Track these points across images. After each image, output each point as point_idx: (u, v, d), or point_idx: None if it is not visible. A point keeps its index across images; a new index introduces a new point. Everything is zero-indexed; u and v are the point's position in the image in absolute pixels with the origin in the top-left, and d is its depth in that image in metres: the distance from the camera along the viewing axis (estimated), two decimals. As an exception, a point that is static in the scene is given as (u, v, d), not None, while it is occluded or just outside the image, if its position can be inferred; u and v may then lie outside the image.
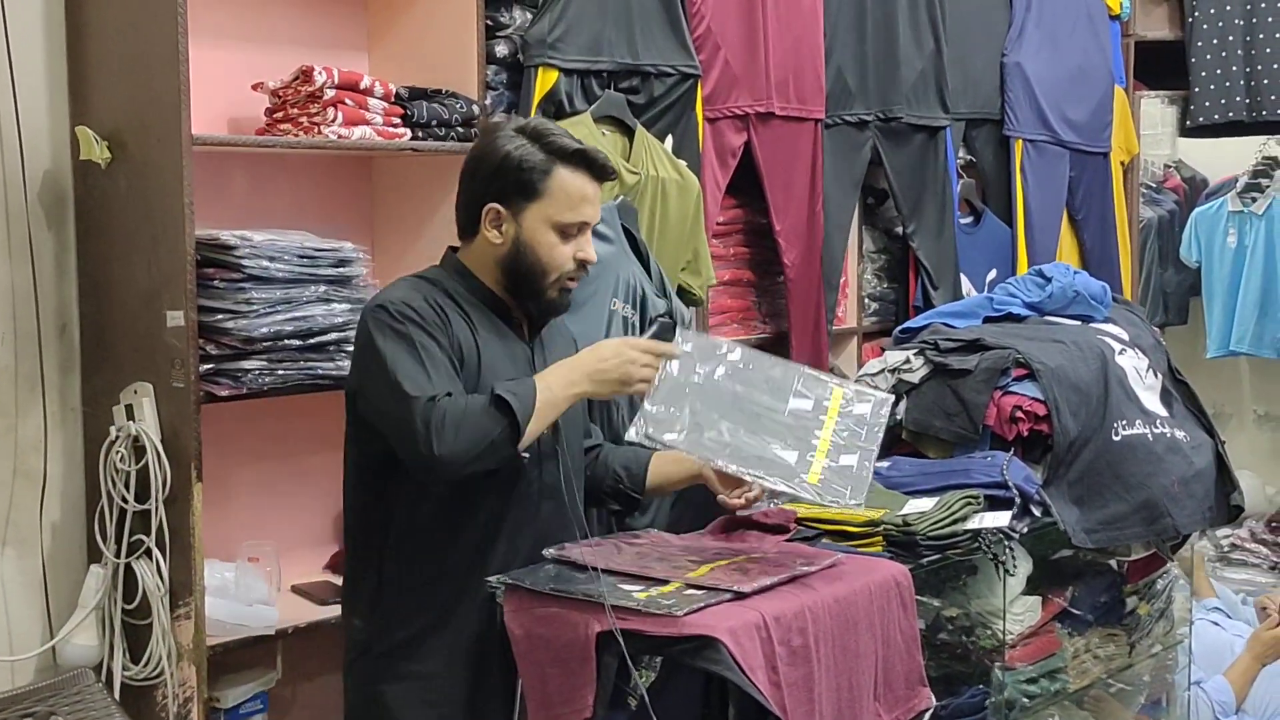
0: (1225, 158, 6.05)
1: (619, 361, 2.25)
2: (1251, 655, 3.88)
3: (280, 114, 3.02)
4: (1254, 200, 5.87)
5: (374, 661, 2.34)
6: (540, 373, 2.27)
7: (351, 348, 2.93)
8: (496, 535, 2.33)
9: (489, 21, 3.25)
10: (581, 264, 2.36)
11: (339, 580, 3.20)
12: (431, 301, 2.30)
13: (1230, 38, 5.16)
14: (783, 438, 2.31)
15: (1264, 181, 5.87)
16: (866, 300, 4.41)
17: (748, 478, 2.30)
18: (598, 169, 2.36)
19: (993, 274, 4.59)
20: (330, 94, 2.97)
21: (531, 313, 2.40)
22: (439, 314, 2.28)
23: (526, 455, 2.28)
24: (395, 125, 3.10)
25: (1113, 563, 3.21)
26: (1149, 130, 5.62)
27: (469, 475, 2.19)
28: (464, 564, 2.30)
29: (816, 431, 2.34)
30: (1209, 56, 5.19)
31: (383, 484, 2.32)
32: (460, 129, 3.18)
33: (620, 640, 2.05)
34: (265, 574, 3.03)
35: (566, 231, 2.33)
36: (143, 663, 2.81)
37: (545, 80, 3.22)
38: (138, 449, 2.79)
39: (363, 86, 3.04)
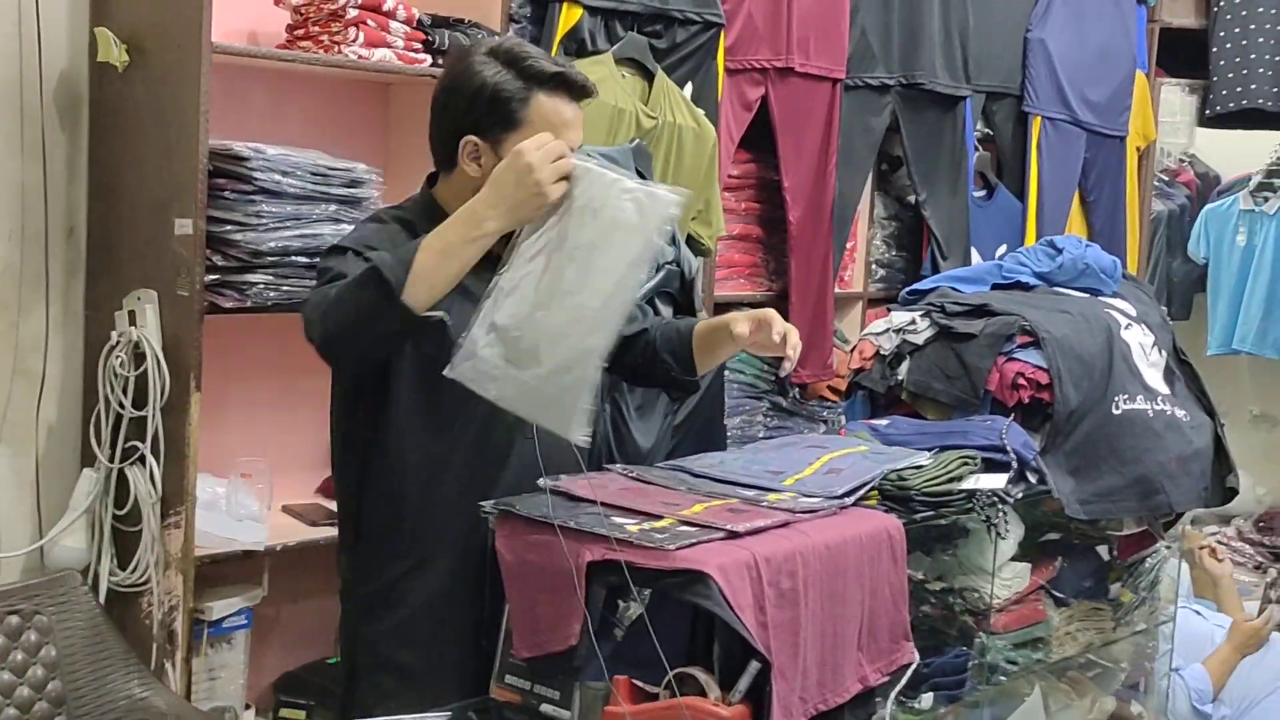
0: (1239, 155, 6.04)
1: (523, 179, 2.00)
2: (1231, 645, 3.89)
3: (301, 31, 3.01)
4: (1266, 200, 5.86)
5: (357, 602, 2.32)
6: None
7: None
8: (477, 474, 2.26)
9: (516, -47, 3.25)
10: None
11: (330, 504, 3.24)
12: (406, 235, 2.18)
13: (1253, 26, 5.13)
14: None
15: (1277, 181, 5.86)
16: (874, 266, 4.41)
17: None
18: (576, 89, 2.20)
19: (1002, 249, 4.58)
20: (353, 13, 2.96)
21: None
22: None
23: (443, 316, 2.05)
24: (416, 51, 3.08)
25: (1102, 549, 3.21)
26: (1167, 118, 5.61)
27: (369, 355, 2.10)
28: (443, 505, 2.25)
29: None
30: (1229, 45, 5.17)
31: (356, 420, 2.26)
32: (481, 59, 3.15)
33: (625, 569, 2.04)
34: (257, 491, 3.03)
35: None
36: (130, 569, 2.82)
37: (569, 16, 3.21)
38: (138, 355, 2.79)
39: (386, 9, 3.02)
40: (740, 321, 2.32)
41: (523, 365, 2.00)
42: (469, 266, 2.04)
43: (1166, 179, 6.13)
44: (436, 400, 2.19)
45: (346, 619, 2.36)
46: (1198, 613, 4.10)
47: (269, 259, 2.80)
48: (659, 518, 2.19)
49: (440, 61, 3.12)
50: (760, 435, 3.91)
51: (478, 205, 2.03)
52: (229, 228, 2.77)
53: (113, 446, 2.82)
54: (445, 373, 2.01)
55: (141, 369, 2.77)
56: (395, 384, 2.21)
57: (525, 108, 2.16)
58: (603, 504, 2.22)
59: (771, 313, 2.34)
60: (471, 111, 2.18)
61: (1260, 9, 5.14)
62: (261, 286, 2.80)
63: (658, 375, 2.49)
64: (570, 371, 2.00)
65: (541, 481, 2.32)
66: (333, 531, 3.05)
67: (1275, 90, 5.18)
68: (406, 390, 2.21)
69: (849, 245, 4.22)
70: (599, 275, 1.99)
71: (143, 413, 2.77)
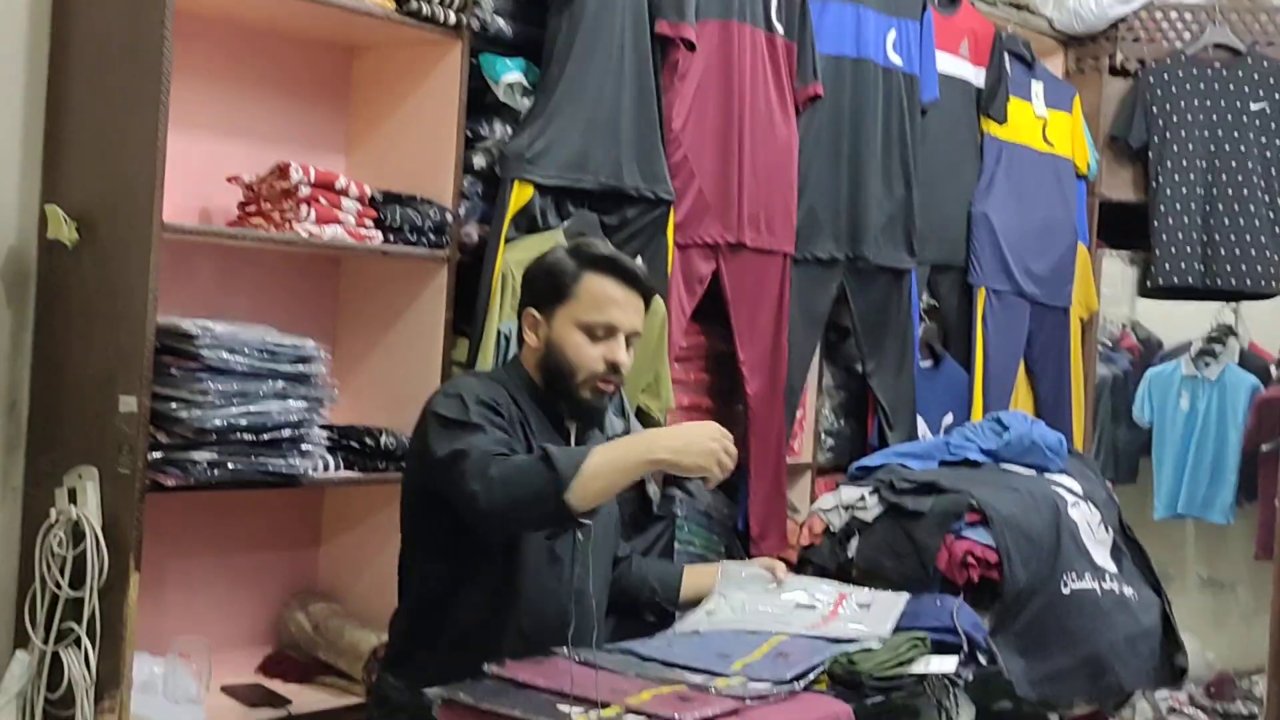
0: (1181, 321, 6.15)
1: (705, 441, 2.30)
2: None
3: (253, 208, 3.02)
4: (1208, 365, 5.96)
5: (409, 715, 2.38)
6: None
7: (306, 445, 2.93)
8: (529, 624, 2.45)
9: (468, 133, 3.29)
10: (612, 366, 2.47)
11: (271, 683, 3.18)
12: (493, 396, 2.45)
13: (1192, 205, 5.27)
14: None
15: (1218, 348, 5.96)
16: (823, 435, 4.42)
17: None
18: (626, 275, 2.51)
19: (949, 418, 4.61)
20: (305, 191, 2.98)
21: (567, 413, 2.53)
22: (498, 406, 2.43)
23: (588, 522, 2.34)
24: (367, 227, 3.11)
25: (1054, 717, 3.18)
26: (1109, 289, 5.70)
27: (516, 533, 2.40)
28: (509, 645, 2.39)
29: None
30: (1170, 220, 5.29)
31: (449, 560, 2.45)
32: (432, 235, 3.19)
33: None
34: (195, 672, 2.96)
35: (592, 332, 2.47)
36: (61, 756, 2.73)
37: (520, 195, 3.24)
38: (77, 534, 2.73)
39: (338, 186, 3.05)
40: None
41: None
42: (627, 485, 2.35)
43: (1110, 344, 6.23)
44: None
45: None
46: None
47: (214, 436, 2.77)
48: (606, 705, 2.16)
49: (392, 238, 3.14)
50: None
51: (657, 436, 2.41)
52: (174, 405, 2.74)
53: (47, 628, 2.75)
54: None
55: (80, 548, 2.71)
56: None
57: (576, 283, 2.49)
58: (549, 690, 2.19)
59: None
60: (533, 287, 2.55)
61: (1183, 190, 5.27)
62: (206, 464, 2.77)
63: (640, 598, 2.73)
64: None
65: (487, 667, 2.30)
66: (273, 713, 3.02)
67: (1201, 269, 5.29)
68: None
69: (798, 415, 4.24)
70: None
71: (79, 593, 2.71)
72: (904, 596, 2.66)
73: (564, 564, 2.47)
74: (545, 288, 2.52)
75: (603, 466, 2.26)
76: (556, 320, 2.49)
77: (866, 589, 2.72)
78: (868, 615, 2.60)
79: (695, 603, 2.71)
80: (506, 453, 2.31)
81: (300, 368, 2.93)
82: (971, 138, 4.84)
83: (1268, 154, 5.24)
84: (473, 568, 2.44)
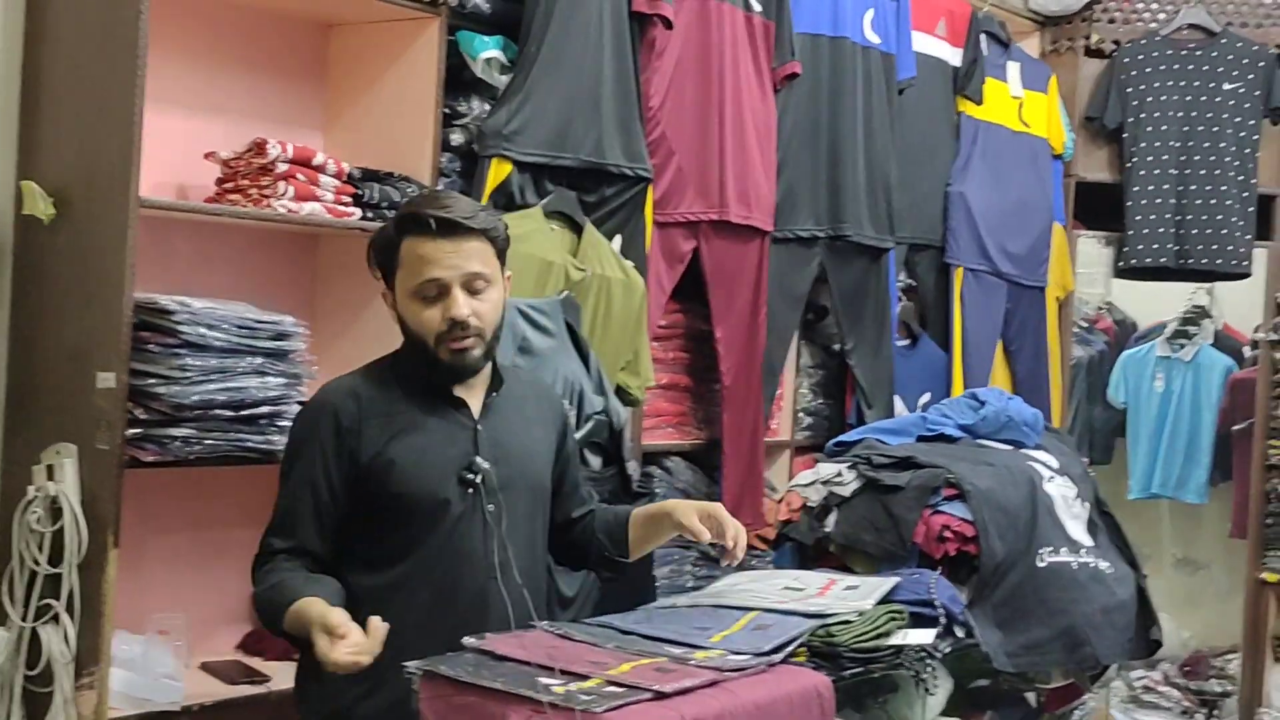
0: (1155, 302, 6.19)
1: (324, 658, 2.13)
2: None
3: (230, 184, 3.01)
4: (1182, 347, 6.00)
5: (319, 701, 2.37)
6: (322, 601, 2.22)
7: (284, 422, 2.93)
8: (436, 608, 2.36)
9: (446, 110, 3.28)
10: (453, 323, 2.33)
11: (250, 660, 3.17)
12: (352, 402, 2.37)
13: (1165, 185, 5.30)
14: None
15: (1192, 329, 6.01)
16: (801, 414, 4.43)
17: None
18: (434, 226, 2.32)
19: (926, 397, 4.63)
20: (282, 168, 2.97)
21: (448, 379, 2.41)
22: (340, 423, 2.36)
23: None
24: (345, 204, 3.10)
25: (1030, 695, 3.20)
26: (1085, 269, 5.74)
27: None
28: (402, 633, 2.27)
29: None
30: (1144, 201, 5.32)
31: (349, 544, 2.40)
32: (410, 213, 3.18)
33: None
34: (174, 648, 2.96)
35: (423, 296, 2.35)
36: (40, 732, 2.73)
37: (498, 172, 3.24)
38: (55, 511, 2.72)
39: (316, 163, 3.04)
40: (689, 514, 2.50)
41: None
42: None
43: (1085, 325, 6.26)
44: (399, 534, 2.36)
45: None
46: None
47: (192, 412, 2.76)
48: (586, 678, 2.16)
49: (370, 215, 3.13)
50: (689, 585, 3.89)
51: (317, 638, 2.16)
52: (152, 381, 2.73)
53: (25, 605, 2.74)
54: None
55: (58, 525, 2.70)
56: (365, 520, 2.38)
57: (397, 252, 2.38)
58: (529, 663, 2.20)
59: (719, 509, 2.52)
60: (376, 266, 2.44)
61: (1157, 171, 5.30)
62: (184, 440, 2.76)
63: (590, 555, 2.64)
64: None
65: (467, 640, 2.30)
66: (253, 690, 3.01)
67: (1175, 249, 5.33)
68: (369, 523, 2.37)
69: (776, 394, 4.25)
70: None
71: (58, 570, 2.70)
72: (893, 580, 2.66)
73: (473, 540, 2.38)
74: (381, 264, 2.42)
75: (293, 625, 2.23)
76: (398, 294, 2.39)
77: (855, 575, 2.74)
78: (854, 594, 2.61)
79: (644, 549, 2.64)
80: (288, 549, 2.35)
81: (278, 344, 2.93)
82: (948, 118, 4.86)
83: (1241, 134, 5.27)
84: (369, 549, 2.39)
